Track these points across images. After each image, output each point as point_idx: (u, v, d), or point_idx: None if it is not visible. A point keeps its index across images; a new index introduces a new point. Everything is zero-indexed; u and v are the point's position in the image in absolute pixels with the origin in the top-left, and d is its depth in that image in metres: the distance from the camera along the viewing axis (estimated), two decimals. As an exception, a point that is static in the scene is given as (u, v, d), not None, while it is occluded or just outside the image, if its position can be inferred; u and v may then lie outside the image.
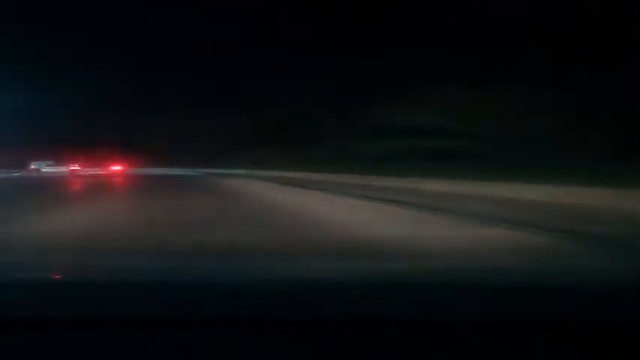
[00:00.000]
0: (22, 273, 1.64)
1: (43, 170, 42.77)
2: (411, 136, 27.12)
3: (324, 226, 6.90)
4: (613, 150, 18.36)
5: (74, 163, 52.47)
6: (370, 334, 1.31)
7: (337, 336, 1.30)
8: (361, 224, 7.02)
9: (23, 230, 6.37)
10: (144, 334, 1.30)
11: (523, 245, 5.03)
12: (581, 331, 1.32)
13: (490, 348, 1.30)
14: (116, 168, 52.34)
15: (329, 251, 4.39)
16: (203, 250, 4.24)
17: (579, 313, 1.37)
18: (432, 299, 1.41)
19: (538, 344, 1.29)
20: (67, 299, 1.38)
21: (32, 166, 45.96)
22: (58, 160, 48.69)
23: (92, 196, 14.73)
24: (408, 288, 1.49)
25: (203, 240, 5.13)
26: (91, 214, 8.81)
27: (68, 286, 1.47)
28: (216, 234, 5.84)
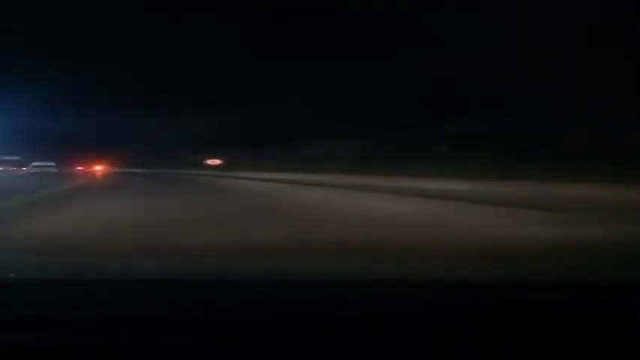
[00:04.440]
0: (22, 273, 1.64)
1: (31, 172, 44.62)
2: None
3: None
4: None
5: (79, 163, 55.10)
6: (370, 334, 1.31)
7: (338, 336, 1.30)
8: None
9: None
10: (144, 334, 1.30)
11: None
12: (582, 330, 1.32)
13: (490, 347, 1.30)
14: (98, 168, 54.11)
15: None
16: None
17: (580, 312, 1.37)
18: (432, 299, 1.41)
19: (539, 343, 1.30)
20: (67, 299, 1.38)
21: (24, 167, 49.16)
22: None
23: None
24: (409, 288, 1.49)
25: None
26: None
27: (68, 286, 1.46)
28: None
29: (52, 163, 48.25)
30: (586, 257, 2.82)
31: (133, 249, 4.34)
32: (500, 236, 5.25)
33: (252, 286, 1.47)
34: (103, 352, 1.28)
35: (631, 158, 10.49)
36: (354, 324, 1.33)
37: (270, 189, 16.34)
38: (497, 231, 5.87)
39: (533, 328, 1.31)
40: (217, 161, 41.31)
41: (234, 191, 15.91)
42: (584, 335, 1.31)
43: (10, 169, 52.35)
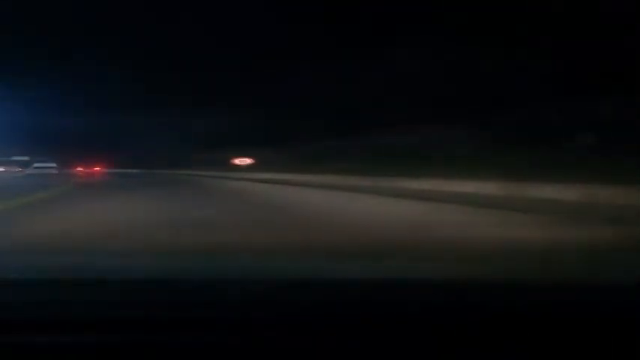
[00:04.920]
0: (22, 273, 1.64)
1: (32, 172, 45.36)
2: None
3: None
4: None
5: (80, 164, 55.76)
6: (370, 334, 1.31)
7: (338, 336, 1.30)
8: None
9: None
10: (144, 334, 1.30)
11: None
12: (581, 330, 1.32)
13: (490, 348, 1.30)
14: (97, 169, 54.08)
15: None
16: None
17: (581, 312, 1.37)
18: (432, 299, 1.41)
19: (539, 344, 1.30)
20: (67, 299, 1.38)
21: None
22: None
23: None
24: (409, 288, 1.49)
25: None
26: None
27: (68, 286, 1.46)
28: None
29: (53, 164, 49.10)
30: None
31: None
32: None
33: (252, 286, 1.47)
34: (103, 352, 1.28)
35: None
36: (354, 324, 1.33)
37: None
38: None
39: (533, 328, 1.31)
40: (247, 160, 32.75)
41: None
42: (585, 336, 1.31)
43: (15, 169, 52.95)
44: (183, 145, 44.00)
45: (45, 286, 1.46)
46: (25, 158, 57.39)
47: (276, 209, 10.43)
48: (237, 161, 33.43)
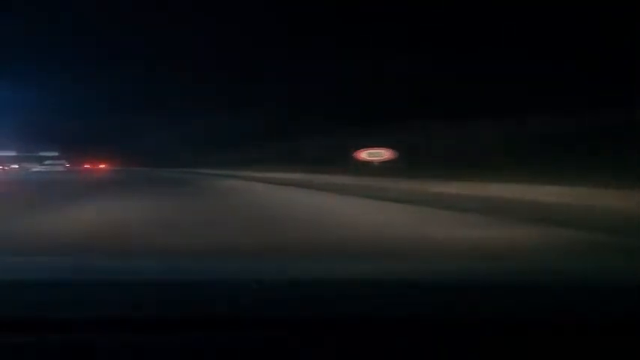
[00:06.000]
0: (22, 273, 1.64)
1: (34, 170, 45.83)
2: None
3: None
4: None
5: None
6: (370, 334, 1.31)
7: (337, 336, 1.30)
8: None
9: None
10: (144, 334, 1.30)
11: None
12: (582, 332, 1.32)
13: (491, 348, 1.30)
14: (101, 166, 54.15)
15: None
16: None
17: (579, 313, 1.37)
18: (432, 300, 1.41)
19: (538, 345, 1.29)
20: (67, 299, 1.38)
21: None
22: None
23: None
24: (409, 288, 1.49)
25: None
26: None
27: (68, 286, 1.47)
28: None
29: (62, 162, 49.96)
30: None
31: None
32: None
33: (252, 286, 1.47)
34: (103, 352, 1.28)
35: None
36: (355, 324, 1.33)
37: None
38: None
39: (533, 329, 1.31)
40: (385, 153, 19.50)
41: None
42: (585, 338, 1.31)
43: (31, 166, 53.12)
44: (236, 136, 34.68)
45: (45, 286, 1.46)
46: (54, 154, 57.39)
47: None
48: (365, 155, 20.08)
